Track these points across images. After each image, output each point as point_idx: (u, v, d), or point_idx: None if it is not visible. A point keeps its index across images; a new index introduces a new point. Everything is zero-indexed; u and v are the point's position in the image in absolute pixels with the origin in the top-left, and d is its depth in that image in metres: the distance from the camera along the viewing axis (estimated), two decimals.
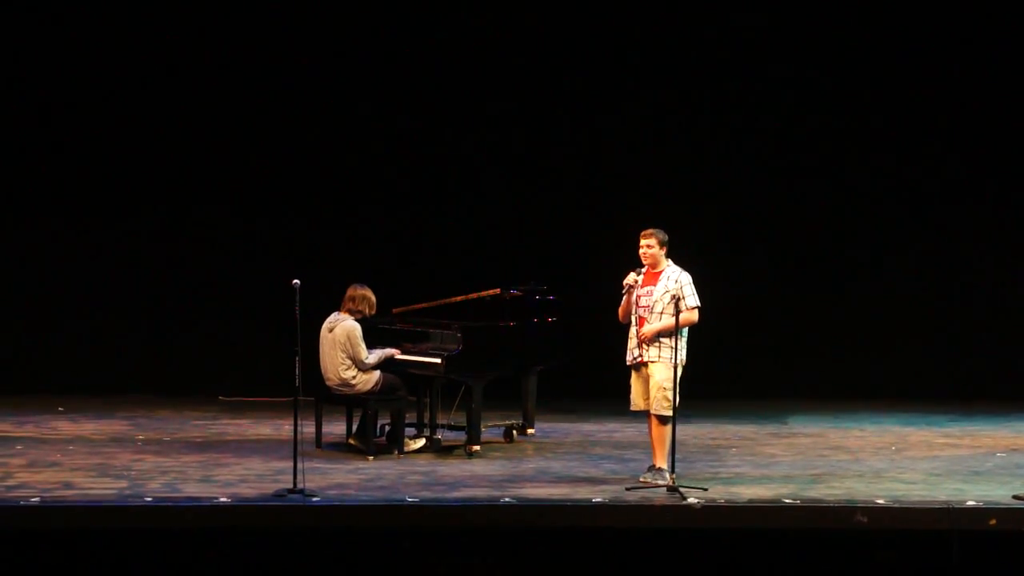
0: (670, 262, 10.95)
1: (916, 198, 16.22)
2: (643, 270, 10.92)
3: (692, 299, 10.84)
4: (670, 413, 10.66)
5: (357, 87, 15.88)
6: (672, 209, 14.30)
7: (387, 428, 12.44)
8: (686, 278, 10.88)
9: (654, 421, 10.85)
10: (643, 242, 10.91)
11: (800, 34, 16.03)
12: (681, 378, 10.72)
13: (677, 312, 10.56)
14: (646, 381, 10.84)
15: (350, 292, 12.08)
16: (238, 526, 9.69)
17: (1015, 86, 16.06)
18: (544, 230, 15.79)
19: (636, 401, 10.95)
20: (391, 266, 15.12)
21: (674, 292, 10.71)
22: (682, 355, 10.77)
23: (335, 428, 12.72)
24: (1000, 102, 16.11)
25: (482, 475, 11.17)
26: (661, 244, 10.89)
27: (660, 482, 10.58)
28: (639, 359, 10.85)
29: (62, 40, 15.65)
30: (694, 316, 10.84)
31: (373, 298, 12.08)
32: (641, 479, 10.78)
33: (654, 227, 10.94)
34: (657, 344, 10.78)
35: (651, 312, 10.81)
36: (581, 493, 10.39)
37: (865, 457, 12.34)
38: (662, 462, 10.78)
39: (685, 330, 10.78)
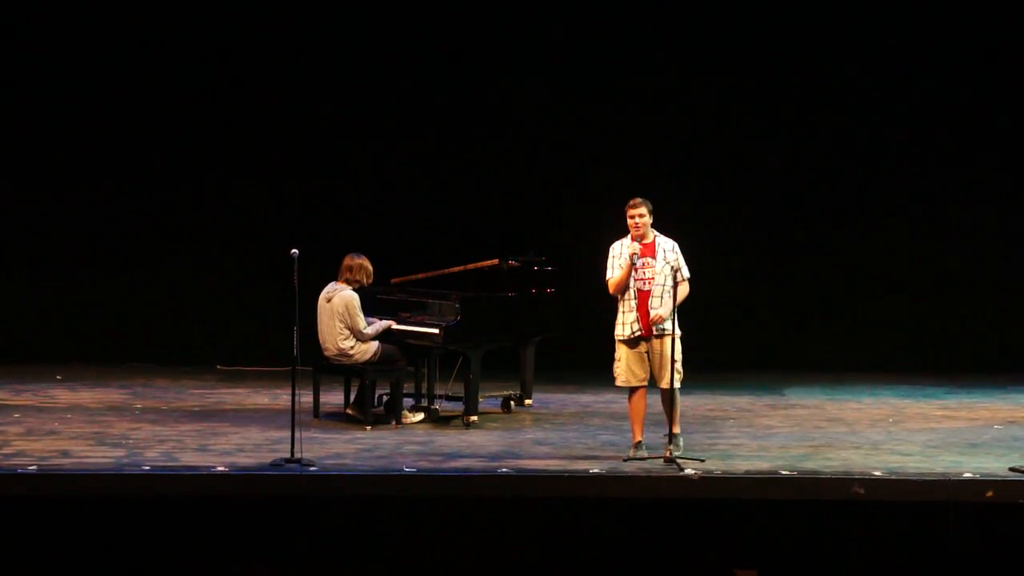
0: (654, 230, 10.79)
1: (915, 168, 16.15)
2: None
3: (686, 269, 10.71)
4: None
5: (352, 56, 15.82)
6: (666, 179, 14.27)
7: (385, 398, 12.44)
8: (678, 247, 10.74)
9: (666, 394, 10.73)
10: (634, 212, 10.57)
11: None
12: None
13: (675, 283, 10.51)
14: (647, 356, 10.68)
15: (347, 262, 12.04)
16: (235, 495, 9.70)
17: (1005, 51, 16.03)
18: (542, 200, 15.73)
19: (639, 375, 10.66)
20: (390, 236, 15.08)
21: (673, 264, 10.63)
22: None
23: (333, 398, 12.72)
24: (993, 67, 16.08)
25: (479, 445, 11.18)
26: (650, 212, 10.63)
27: (676, 452, 10.55)
28: (641, 332, 10.64)
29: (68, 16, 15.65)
30: (687, 287, 10.77)
31: (370, 267, 12.06)
32: (634, 453, 10.69)
33: (640, 197, 10.63)
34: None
35: (655, 284, 10.62)
36: (578, 464, 10.39)
37: (862, 429, 12.34)
38: (677, 427, 10.79)
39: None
